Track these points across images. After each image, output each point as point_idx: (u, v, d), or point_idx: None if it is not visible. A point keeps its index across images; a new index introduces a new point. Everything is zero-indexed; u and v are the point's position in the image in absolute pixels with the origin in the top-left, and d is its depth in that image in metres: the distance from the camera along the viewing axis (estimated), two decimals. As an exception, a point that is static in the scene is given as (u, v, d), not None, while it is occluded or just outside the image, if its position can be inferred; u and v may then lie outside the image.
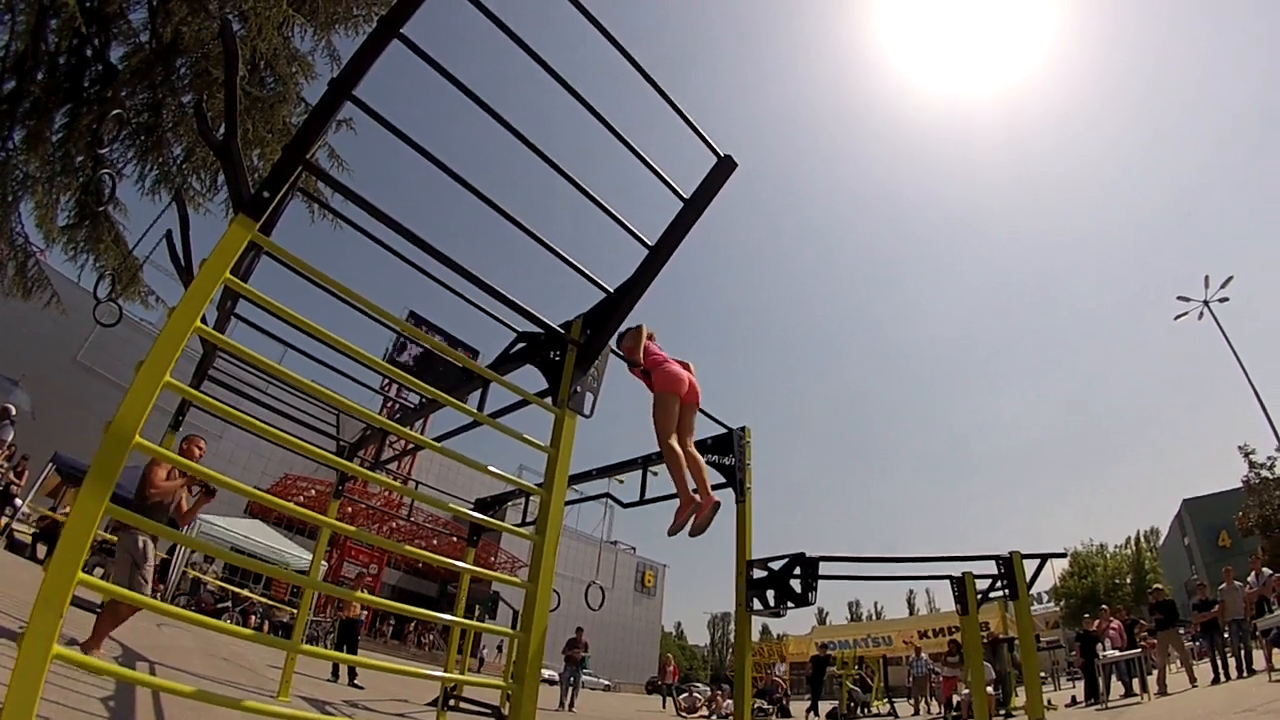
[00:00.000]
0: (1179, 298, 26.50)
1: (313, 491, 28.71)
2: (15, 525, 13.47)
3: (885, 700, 16.97)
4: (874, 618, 65.76)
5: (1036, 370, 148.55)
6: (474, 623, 3.95)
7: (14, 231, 7.81)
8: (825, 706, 15.49)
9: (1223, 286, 25.32)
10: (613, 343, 3.97)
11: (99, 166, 6.94)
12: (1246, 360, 24.30)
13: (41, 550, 12.37)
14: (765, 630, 62.59)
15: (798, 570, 4.69)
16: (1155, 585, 12.60)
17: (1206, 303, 25.74)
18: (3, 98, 6.58)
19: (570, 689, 13.24)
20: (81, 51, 6.79)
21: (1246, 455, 27.64)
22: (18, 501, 14.05)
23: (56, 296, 8.81)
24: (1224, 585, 10.51)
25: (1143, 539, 43.67)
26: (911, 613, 63.37)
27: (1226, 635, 10.24)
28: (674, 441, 4.06)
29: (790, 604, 4.69)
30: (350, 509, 25.53)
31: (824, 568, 4.69)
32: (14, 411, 11.94)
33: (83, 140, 7.00)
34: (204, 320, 3.32)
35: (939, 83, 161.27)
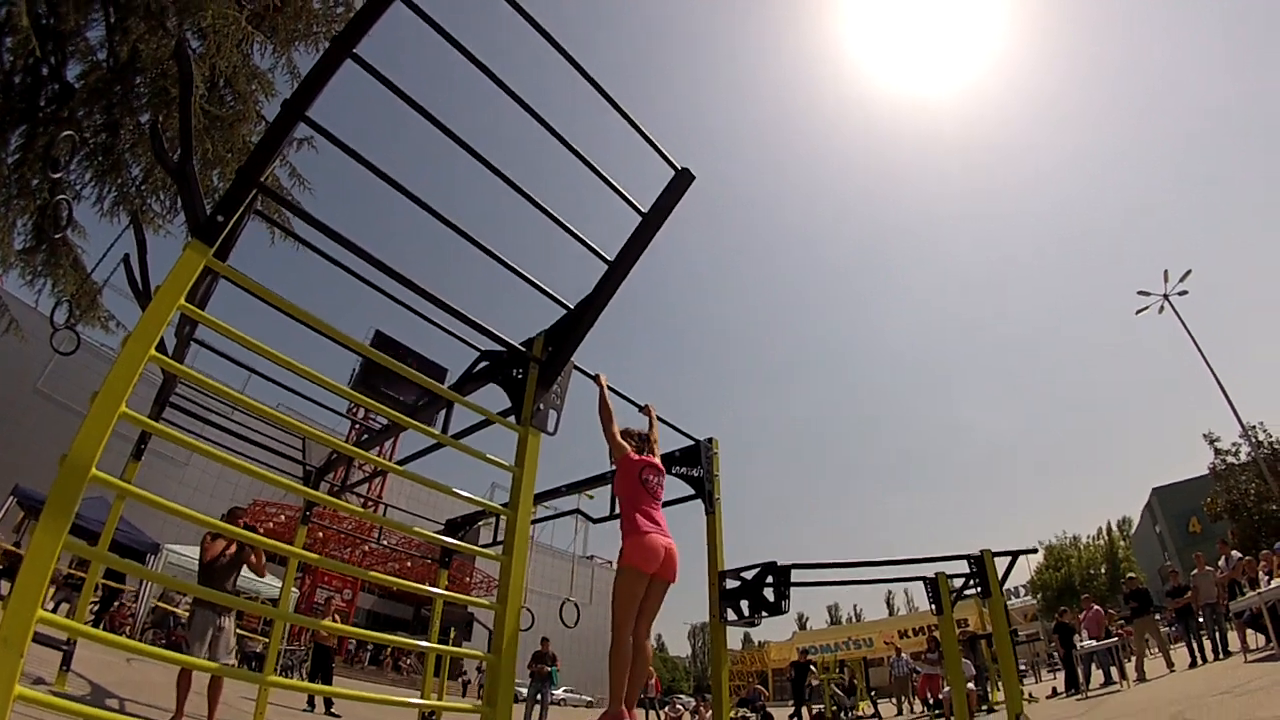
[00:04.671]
0: (1139, 292, 27.10)
1: (282, 517, 28.01)
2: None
3: (869, 700, 17.04)
4: (854, 620, 66.11)
5: (1000, 371, 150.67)
6: (446, 647, 3.90)
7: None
8: (807, 711, 15.53)
9: (1181, 280, 26.01)
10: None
11: (55, 191, 6.79)
12: (1207, 349, 24.94)
13: (5, 586, 12.00)
14: (746, 638, 62.72)
15: (770, 579, 4.70)
16: (1129, 574, 12.87)
17: (1166, 296, 26.39)
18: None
19: (539, 706, 12.50)
20: (37, 70, 6.64)
21: (1212, 442, 28.44)
22: (-24, 536, 13.66)
23: (15, 323, 8.60)
24: (1196, 571, 10.76)
25: (1115, 528, 44.61)
26: (891, 613, 63.78)
27: (1201, 620, 10.46)
28: (628, 636, 3.39)
29: (764, 613, 4.69)
30: (321, 533, 25.10)
31: (796, 575, 4.70)
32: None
33: (39, 162, 6.84)
34: (163, 346, 3.26)
35: (896, 87, 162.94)
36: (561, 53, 2.98)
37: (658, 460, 3.99)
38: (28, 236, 7.61)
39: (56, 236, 7.35)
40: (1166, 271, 26.25)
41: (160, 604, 15.61)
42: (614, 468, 3.96)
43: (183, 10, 6.37)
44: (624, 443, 3.87)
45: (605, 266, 3.37)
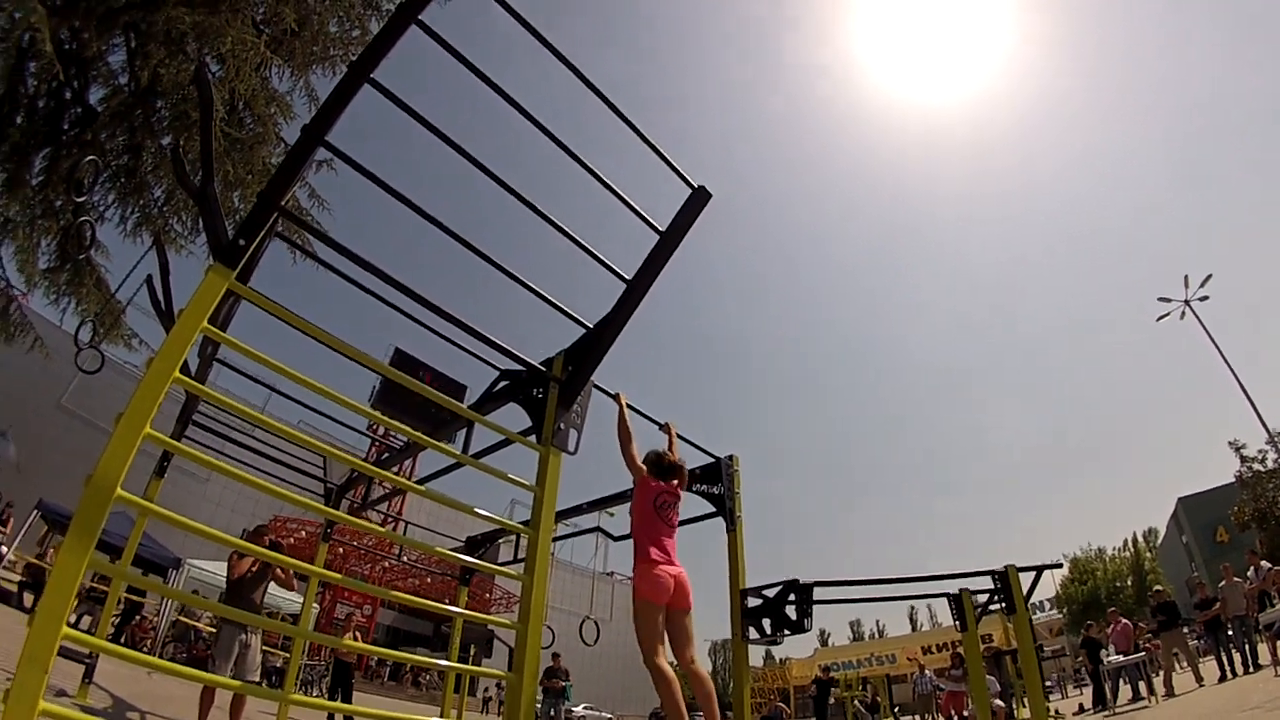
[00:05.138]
0: (1159, 299, 26.68)
1: (303, 533, 28.11)
2: (1, 573, 13.28)
3: (892, 718, 16.80)
4: (877, 636, 65.04)
5: (1020, 381, 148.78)
6: (466, 666, 3.87)
7: (-4, 275, 7.75)
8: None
9: (1202, 285, 25.53)
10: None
11: (79, 212, 6.90)
12: (1231, 352, 24.49)
13: (29, 599, 12.17)
14: (768, 655, 61.93)
15: (792, 597, 4.65)
16: (1156, 587, 12.58)
17: (1188, 302, 25.94)
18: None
19: None
20: (60, 94, 6.76)
21: (1238, 450, 27.87)
22: (2, 549, 13.86)
23: (40, 340, 8.72)
24: (1224, 582, 10.50)
25: (1141, 540, 43.69)
26: (914, 629, 62.64)
27: (1230, 632, 10.20)
28: (662, 660, 3.29)
29: (786, 631, 4.64)
30: (341, 549, 25.15)
31: (818, 592, 4.65)
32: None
33: (63, 184, 6.96)
34: (186, 367, 3.29)
35: (909, 94, 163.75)
36: (585, 82, 2.99)
37: (677, 485, 3.89)
38: (52, 256, 7.75)
39: (80, 257, 7.48)
40: (1187, 277, 25.83)
41: (181, 618, 15.72)
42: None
43: (202, 36, 6.47)
44: (641, 465, 3.82)
45: (624, 285, 3.36)
